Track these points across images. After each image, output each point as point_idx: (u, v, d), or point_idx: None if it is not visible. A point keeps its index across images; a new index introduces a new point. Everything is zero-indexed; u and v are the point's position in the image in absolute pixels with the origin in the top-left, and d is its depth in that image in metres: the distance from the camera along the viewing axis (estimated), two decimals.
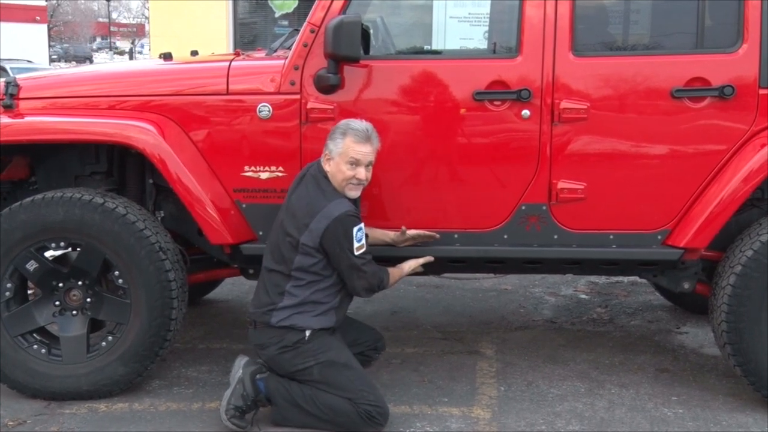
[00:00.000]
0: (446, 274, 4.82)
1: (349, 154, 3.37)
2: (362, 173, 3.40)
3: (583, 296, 5.50)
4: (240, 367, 3.46)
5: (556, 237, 3.65)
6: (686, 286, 3.79)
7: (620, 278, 5.77)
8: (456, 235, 3.69)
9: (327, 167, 3.43)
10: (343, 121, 3.46)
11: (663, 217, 3.60)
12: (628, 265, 3.82)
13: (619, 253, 3.67)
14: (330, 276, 3.43)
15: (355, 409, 3.30)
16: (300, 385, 3.39)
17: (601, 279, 5.82)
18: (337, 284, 3.45)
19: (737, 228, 3.68)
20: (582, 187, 3.58)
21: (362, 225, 3.41)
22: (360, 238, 3.37)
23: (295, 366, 3.39)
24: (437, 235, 3.65)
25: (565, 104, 3.52)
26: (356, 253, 3.36)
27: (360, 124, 3.41)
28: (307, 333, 3.38)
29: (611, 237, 3.64)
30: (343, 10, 3.55)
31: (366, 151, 3.39)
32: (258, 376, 3.41)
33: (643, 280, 4.69)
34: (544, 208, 3.62)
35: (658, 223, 3.62)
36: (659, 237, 3.62)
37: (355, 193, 3.45)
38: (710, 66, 3.49)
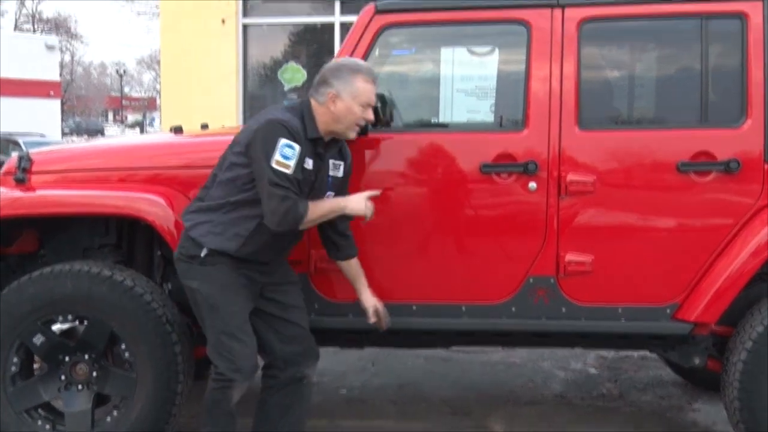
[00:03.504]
0: (454, 347, 4.77)
1: (363, 97, 3.29)
2: (370, 115, 3.34)
3: (593, 370, 5.44)
4: None
5: (564, 310, 3.62)
6: (697, 361, 3.74)
7: (630, 352, 5.70)
8: (464, 308, 3.67)
9: (332, 107, 3.28)
10: (345, 59, 3.42)
11: (672, 291, 3.58)
12: (638, 339, 3.78)
13: (628, 327, 3.63)
14: (252, 201, 3.23)
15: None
16: None
17: (611, 353, 5.75)
18: (258, 216, 3.24)
19: (747, 302, 3.64)
20: (589, 260, 3.57)
21: (297, 147, 3.16)
22: (287, 155, 3.14)
23: (184, 279, 3.34)
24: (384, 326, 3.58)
25: (571, 177, 3.54)
26: (273, 165, 3.13)
27: (365, 63, 3.40)
28: (203, 252, 3.26)
29: (620, 310, 3.61)
30: None
31: (373, 93, 3.34)
32: None
33: (654, 355, 4.64)
34: (552, 280, 3.61)
35: (666, 296, 3.59)
36: (668, 311, 3.59)
37: (354, 134, 3.37)
38: (715, 140, 3.51)
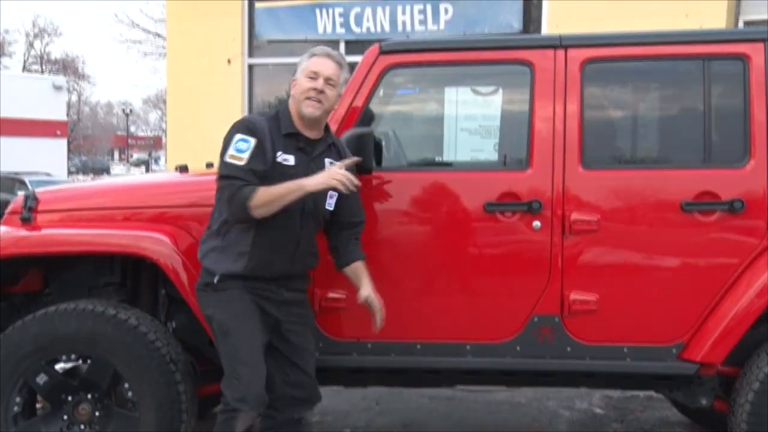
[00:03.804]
0: (459, 386, 4.74)
1: (309, 68, 3.30)
2: (320, 83, 3.28)
3: (599, 411, 5.39)
4: None
5: (569, 349, 3.61)
6: (704, 401, 3.71)
7: (636, 392, 5.65)
8: (468, 347, 3.66)
9: (292, 91, 3.33)
10: None
11: (677, 331, 3.56)
12: (644, 378, 3.76)
13: (633, 367, 3.61)
14: None
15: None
16: None
17: (617, 393, 5.70)
18: (251, 228, 3.25)
19: (754, 343, 3.61)
20: (594, 299, 3.57)
21: (252, 140, 3.20)
22: (240, 149, 3.18)
23: (202, 308, 3.38)
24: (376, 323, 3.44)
25: (575, 216, 3.54)
26: (226, 159, 3.19)
27: (325, 47, 3.41)
28: (216, 279, 3.29)
29: (625, 350, 3.60)
30: (356, 122, 3.63)
31: (326, 65, 3.31)
32: None
33: (660, 395, 4.60)
34: (557, 319, 3.60)
35: (672, 336, 3.57)
36: (674, 351, 3.58)
37: (312, 110, 3.26)
38: (719, 180, 3.52)
